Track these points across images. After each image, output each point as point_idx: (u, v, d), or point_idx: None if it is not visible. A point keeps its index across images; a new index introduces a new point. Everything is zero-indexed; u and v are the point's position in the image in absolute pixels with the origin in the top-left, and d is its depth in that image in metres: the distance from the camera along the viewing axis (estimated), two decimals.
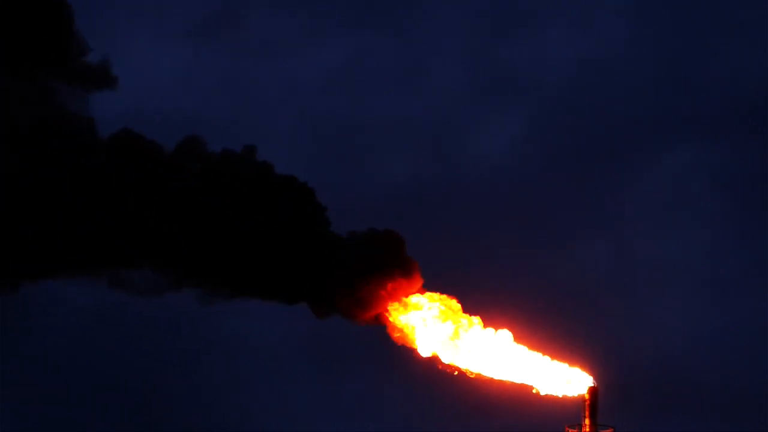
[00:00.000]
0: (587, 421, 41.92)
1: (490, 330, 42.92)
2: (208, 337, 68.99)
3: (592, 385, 42.24)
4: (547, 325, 43.95)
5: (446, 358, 42.74)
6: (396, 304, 42.37)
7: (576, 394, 42.47)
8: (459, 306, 43.01)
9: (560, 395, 42.66)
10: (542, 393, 42.69)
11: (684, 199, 74.07)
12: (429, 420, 63.54)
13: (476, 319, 42.87)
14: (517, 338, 43.15)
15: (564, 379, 42.69)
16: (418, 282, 42.63)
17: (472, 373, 42.81)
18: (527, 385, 42.95)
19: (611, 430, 42.01)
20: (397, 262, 42.09)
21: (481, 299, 44.31)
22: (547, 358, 42.93)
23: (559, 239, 72.02)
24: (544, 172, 74.74)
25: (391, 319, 42.55)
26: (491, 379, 42.92)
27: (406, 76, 77.77)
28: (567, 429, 42.13)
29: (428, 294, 42.82)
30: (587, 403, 42.02)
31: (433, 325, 42.66)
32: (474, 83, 77.88)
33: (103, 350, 68.30)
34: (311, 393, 68.70)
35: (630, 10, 77.64)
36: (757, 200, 72.74)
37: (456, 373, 42.81)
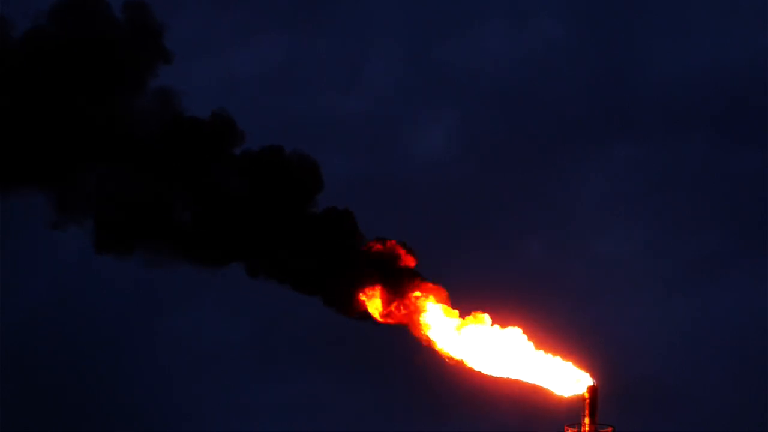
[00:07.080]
0: (587, 420, 42.08)
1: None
2: (152, 337, 68.14)
3: (592, 384, 42.44)
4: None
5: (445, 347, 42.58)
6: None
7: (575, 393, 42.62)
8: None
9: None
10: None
11: (622, 198, 75.16)
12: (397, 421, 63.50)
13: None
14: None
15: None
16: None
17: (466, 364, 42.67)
18: (515, 380, 42.97)
19: (610, 429, 42.30)
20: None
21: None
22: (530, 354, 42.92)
23: (500, 237, 72.50)
24: (483, 171, 75.16)
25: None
26: (482, 375, 42.88)
27: (346, 75, 77.66)
28: (566, 428, 42.34)
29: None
30: (587, 402, 42.16)
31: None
32: (412, 81, 78.06)
33: (39, 350, 67.12)
34: (254, 393, 68.21)
35: (569, 10, 78.54)
36: (694, 199, 74.15)
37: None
